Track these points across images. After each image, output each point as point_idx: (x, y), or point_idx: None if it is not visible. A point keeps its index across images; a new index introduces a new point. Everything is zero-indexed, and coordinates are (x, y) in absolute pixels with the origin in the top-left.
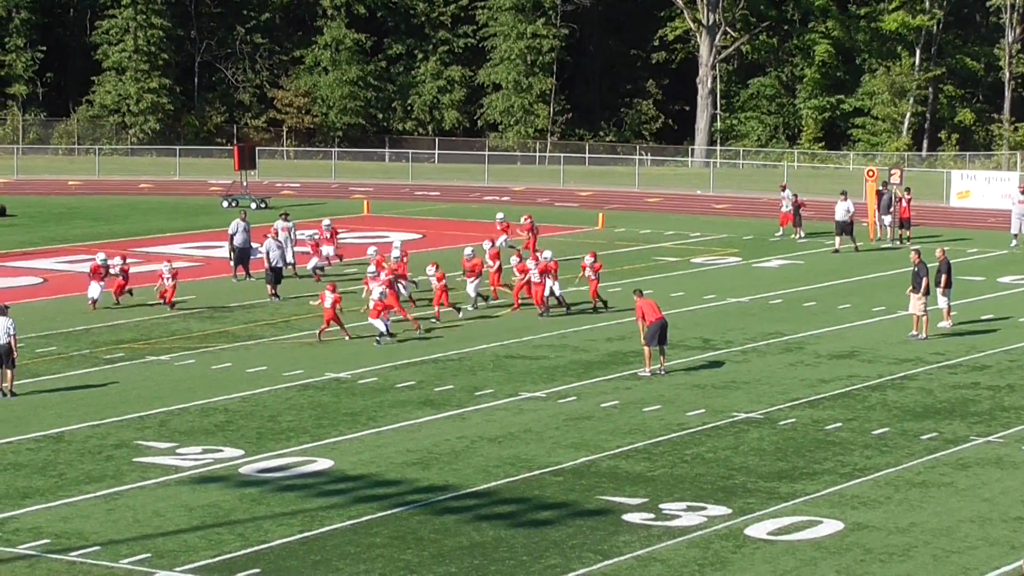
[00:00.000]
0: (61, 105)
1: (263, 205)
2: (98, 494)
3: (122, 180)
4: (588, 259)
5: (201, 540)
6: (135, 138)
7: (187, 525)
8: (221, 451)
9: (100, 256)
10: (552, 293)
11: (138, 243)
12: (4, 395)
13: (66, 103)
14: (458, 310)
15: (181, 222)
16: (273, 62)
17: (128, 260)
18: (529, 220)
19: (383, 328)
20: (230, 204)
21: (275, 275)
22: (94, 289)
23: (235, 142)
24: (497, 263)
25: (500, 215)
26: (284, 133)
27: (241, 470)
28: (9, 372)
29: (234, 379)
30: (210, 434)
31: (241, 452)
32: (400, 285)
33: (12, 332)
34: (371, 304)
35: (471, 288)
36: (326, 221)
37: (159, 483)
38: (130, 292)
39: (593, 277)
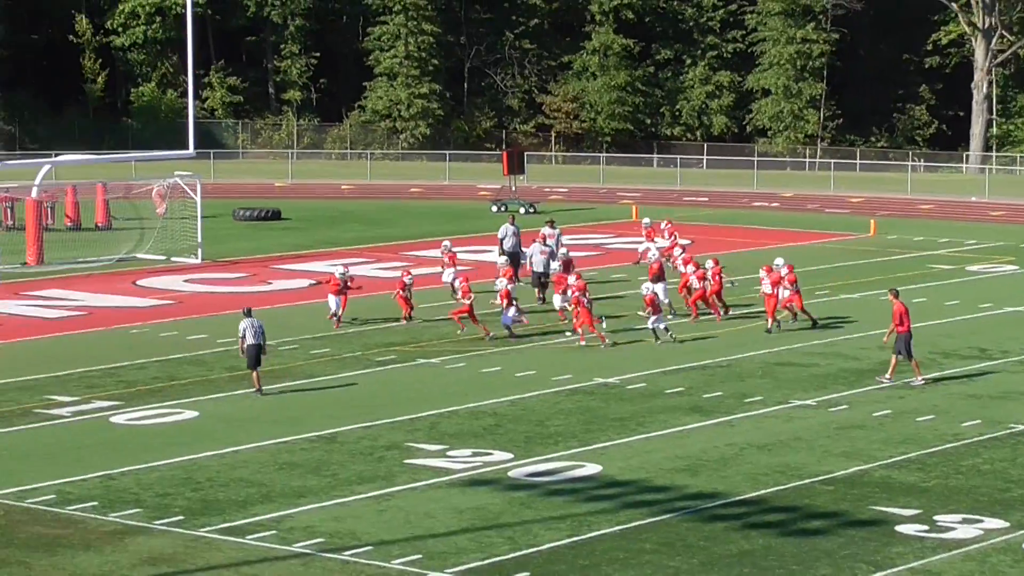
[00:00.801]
0: (334, 110)
1: (532, 210)
2: (370, 495)
3: (393, 184)
4: (709, 263)
5: (470, 542)
6: (406, 143)
7: (457, 527)
8: (490, 454)
9: (339, 271)
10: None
11: (408, 247)
12: (261, 393)
13: (339, 108)
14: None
15: (450, 226)
16: (542, 67)
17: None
18: (671, 225)
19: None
20: (499, 209)
21: (541, 280)
22: (333, 302)
23: (504, 147)
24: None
25: (646, 220)
26: (552, 138)
27: (510, 473)
28: (255, 373)
29: (503, 383)
30: (479, 437)
31: (510, 455)
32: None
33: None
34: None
35: (557, 301)
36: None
37: (429, 485)
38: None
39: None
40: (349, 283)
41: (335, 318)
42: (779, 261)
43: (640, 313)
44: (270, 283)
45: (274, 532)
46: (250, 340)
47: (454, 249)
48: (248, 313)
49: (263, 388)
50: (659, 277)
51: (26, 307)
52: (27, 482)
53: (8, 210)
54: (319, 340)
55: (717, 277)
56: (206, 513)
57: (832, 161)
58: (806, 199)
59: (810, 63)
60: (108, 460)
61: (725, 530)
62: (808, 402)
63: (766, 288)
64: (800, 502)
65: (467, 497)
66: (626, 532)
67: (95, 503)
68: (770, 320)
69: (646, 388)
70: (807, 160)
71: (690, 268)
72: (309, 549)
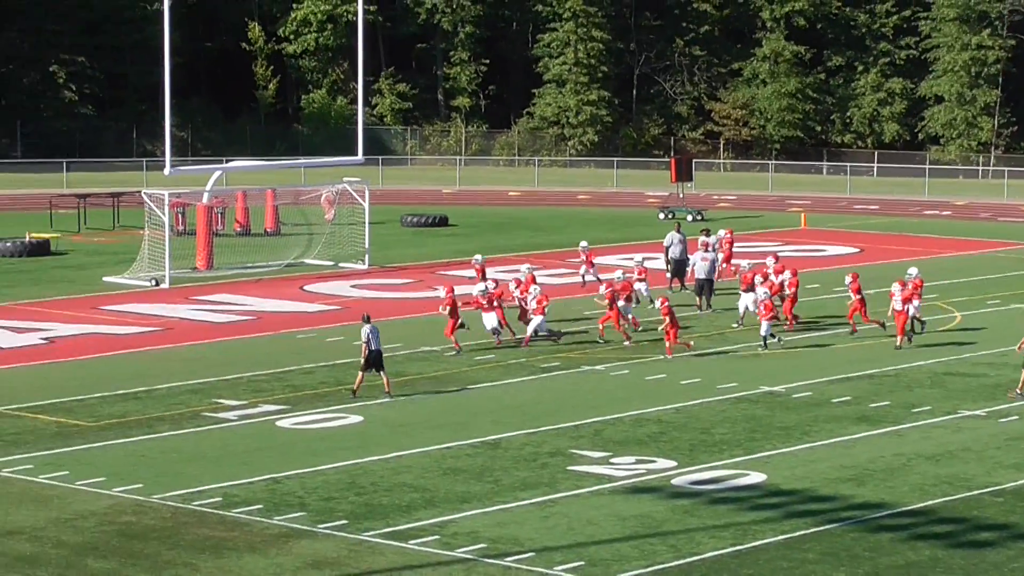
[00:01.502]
0: (502, 117)
1: (699, 217)
2: (533, 501)
3: (560, 191)
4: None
5: (634, 550)
6: (574, 150)
7: (620, 534)
8: (654, 462)
9: (480, 287)
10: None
11: (574, 254)
12: (391, 397)
13: (507, 115)
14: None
15: (618, 233)
16: (711, 74)
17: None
18: (730, 235)
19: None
20: (666, 216)
21: (705, 287)
22: (490, 320)
23: (672, 154)
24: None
25: (584, 244)
26: (721, 145)
27: (674, 481)
28: (383, 376)
29: (668, 390)
30: (643, 444)
31: (674, 463)
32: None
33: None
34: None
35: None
36: (584, 243)
37: (593, 492)
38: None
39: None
40: (495, 298)
41: (495, 334)
42: (912, 271)
43: (734, 326)
44: (436, 288)
45: (437, 537)
46: (373, 346)
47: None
48: (367, 320)
49: (390, 391)
50: (751, 288)
51: (196, 311)
52: (194, 485)
53: (180, 215)
54: (482, 347)
55: (857, 293)
56: (370, 517)
57: (1006, 169)
58: (979, 208)
59: (985, 69)
60: (274, 464)
61: (891, 541)
62: (977, 412)
63: (896, 304)
64: (969, 514)
65: (630, 504)
66: (790, 542)
67: (260, 506)
68: (899, 338)
69: (812, 397)
70: (980, 168)
71: (786, 275)
72: (472, 555)
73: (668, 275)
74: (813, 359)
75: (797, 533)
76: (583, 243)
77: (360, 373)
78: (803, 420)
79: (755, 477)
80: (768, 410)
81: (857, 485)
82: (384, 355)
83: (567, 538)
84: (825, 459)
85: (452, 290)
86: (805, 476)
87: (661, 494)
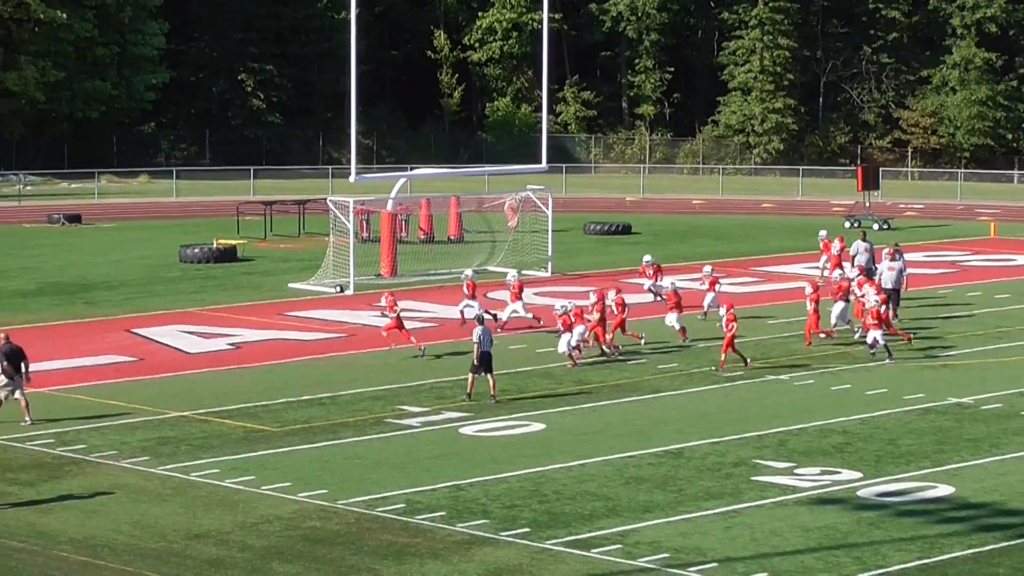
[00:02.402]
0: (686, 125)
1: (885, 226)
2: (716, 511)
3: (744, 199)
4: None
5: (817, 561)
6: (759, 158)
7: (804, 546)
8: (839, 473)
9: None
10: None
11: (758, 262)
12: (495, 401)
13: (691, 123)
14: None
15: (802, 242)
16: (899, 82)
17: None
18: (841, 242)
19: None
20: (852, 224)
21: (892, 297)
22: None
23: (859, 162)
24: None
25: (823, 232)
26: (908, 154)
27: (859, 493)
28: (490, 379)
29: (853, 400)
30: (828, 455)
31: (859, 474)
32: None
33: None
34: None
35: (672, 320)
36: (648, 256)
37: (776, 503)
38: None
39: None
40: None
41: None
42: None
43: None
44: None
45: (619, 546)
46: (485, 347)
47: (476, 280)
48: (481, 320)
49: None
50: (844, 297)
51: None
52: (377, 491)
53: (364, 222)
54: (667, 355)
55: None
56: (552, 526)
57: None
58: None
59: None
60: (457, 471)
61: None
62: None
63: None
64: None
65: (815, 516)
66: (978, 556)
67: (443, 513)
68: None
69: (1002, 409)
70: None
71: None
72: (654, 564)
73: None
74: (1003, 371)
75: (986, 548)
76: (647, 257)
77: (470, 375)
78: (992, 432)
79: (943, 490)
80: (956, 421)
81: None
82: (567, 364)
83: (750, 549)
84: (1015, 472)
85: (603, 297)
86: (995, 489)
87: (846, 506)
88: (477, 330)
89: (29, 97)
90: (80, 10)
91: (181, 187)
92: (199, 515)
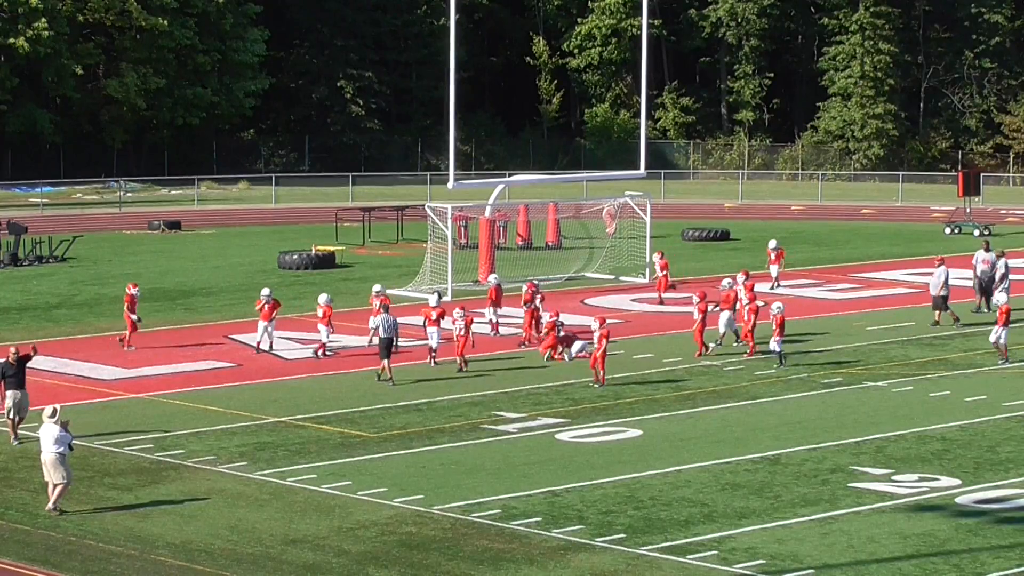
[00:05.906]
0: (786, 131)
1: (986, 232)
2: (813, 517)
3: (844, 205)
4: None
5: (915, 569)
6: (858, 164)
7: (901, 553)
8: (937, 480)
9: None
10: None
11: (858, 268)
12: (392, 384)
13: (791, 129)
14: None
15: (902, 248)
16: (1001, 87)
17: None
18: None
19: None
20: (953, 231)
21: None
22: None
23: (960, 168)
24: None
25: (772, 243)
26: (1010, 159)
27: (958, 500)
28: (386, 362)
29: (952, 407)
30: (926, 462)
31: (958, 482)
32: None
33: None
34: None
35: (722, 323)
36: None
37: (874, 509)
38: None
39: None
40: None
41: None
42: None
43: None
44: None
45: (715, 552)
46: (382, 334)
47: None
48: (386, 309)
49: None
50: (731, 306)
51: (477, 324)
52: (473, 496)
53: (463, 228)
54: (764, 361)
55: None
56: (648, 532)
57: None
58: None
59: None
60: (553, 477)
61: None
62: None
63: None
64: None
65: (912, 523)
66: None
67: (539, 519)
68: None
69: None
70: None
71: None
72: (750, 570)
73: (977, 292)
74: None
75: None
76: (376, 287)
77: (383, 361)
78: None
79: None
80: None
81: None
82: (664, 370)
83: (847, 556)
84: None
85: (705, 295)
86: None
87: (944, 513)
88: (379, 318)
89: (131, 104)
90: (181, 17)
91: (280, 193)
92: (296, 520)
